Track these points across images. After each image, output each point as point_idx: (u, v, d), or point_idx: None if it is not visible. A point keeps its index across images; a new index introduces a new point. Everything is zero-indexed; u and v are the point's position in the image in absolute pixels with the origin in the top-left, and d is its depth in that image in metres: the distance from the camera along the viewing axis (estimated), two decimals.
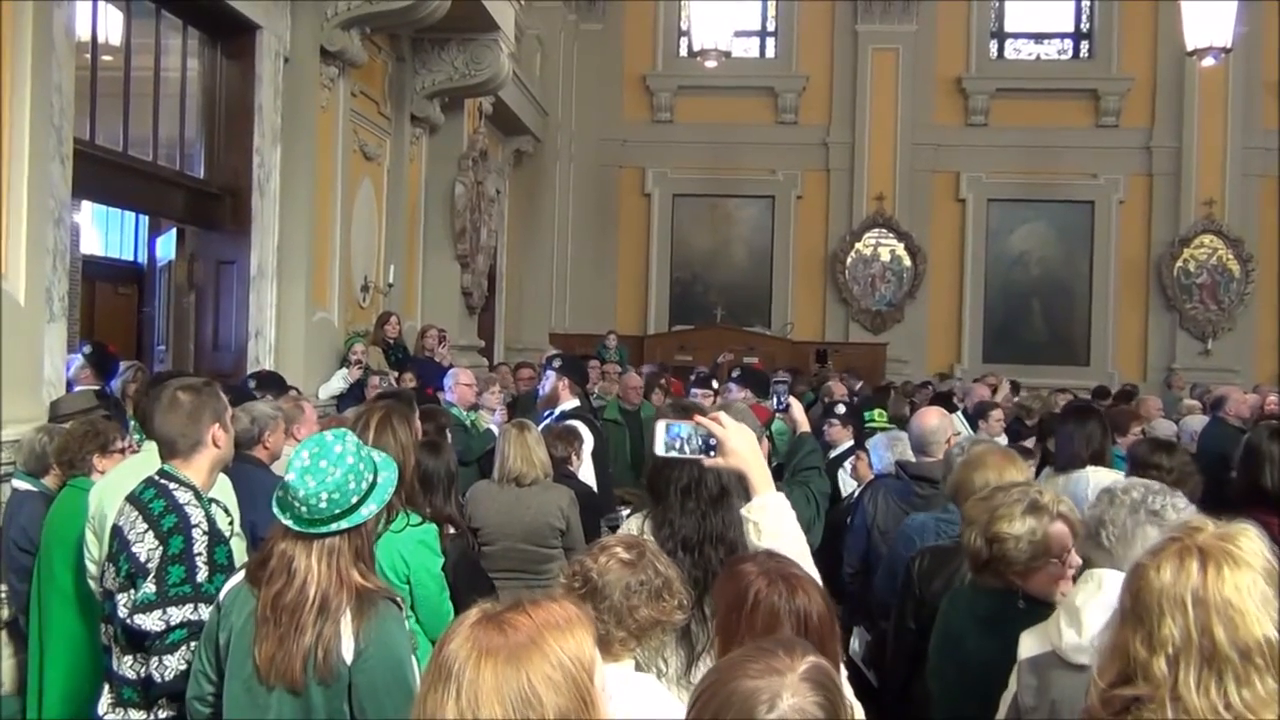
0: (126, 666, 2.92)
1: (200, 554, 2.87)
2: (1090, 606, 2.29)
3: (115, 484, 3.66)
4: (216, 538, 2.92)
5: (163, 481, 2.99)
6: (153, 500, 2.94)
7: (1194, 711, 1.57)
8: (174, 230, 7.94)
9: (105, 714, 2.97)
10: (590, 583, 2.25)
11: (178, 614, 2.82)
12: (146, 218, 9.74)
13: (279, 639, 2.38)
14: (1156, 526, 2.30)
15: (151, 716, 2.90)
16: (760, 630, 1.98)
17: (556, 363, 6.20)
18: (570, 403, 5.96)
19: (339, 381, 7.67)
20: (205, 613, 2.80)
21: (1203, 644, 1.58)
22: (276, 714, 2.39)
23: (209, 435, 3.03)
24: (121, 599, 2.89)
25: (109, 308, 10.14)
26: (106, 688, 3.01)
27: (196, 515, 2.91)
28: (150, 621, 2.81)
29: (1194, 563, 1.62)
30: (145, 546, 2.88)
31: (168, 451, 3.09)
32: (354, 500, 2.42)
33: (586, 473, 5.47)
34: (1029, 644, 2.46)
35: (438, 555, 3.54)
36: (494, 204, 12.21)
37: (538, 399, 6.62)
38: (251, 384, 4.28)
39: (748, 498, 3.05)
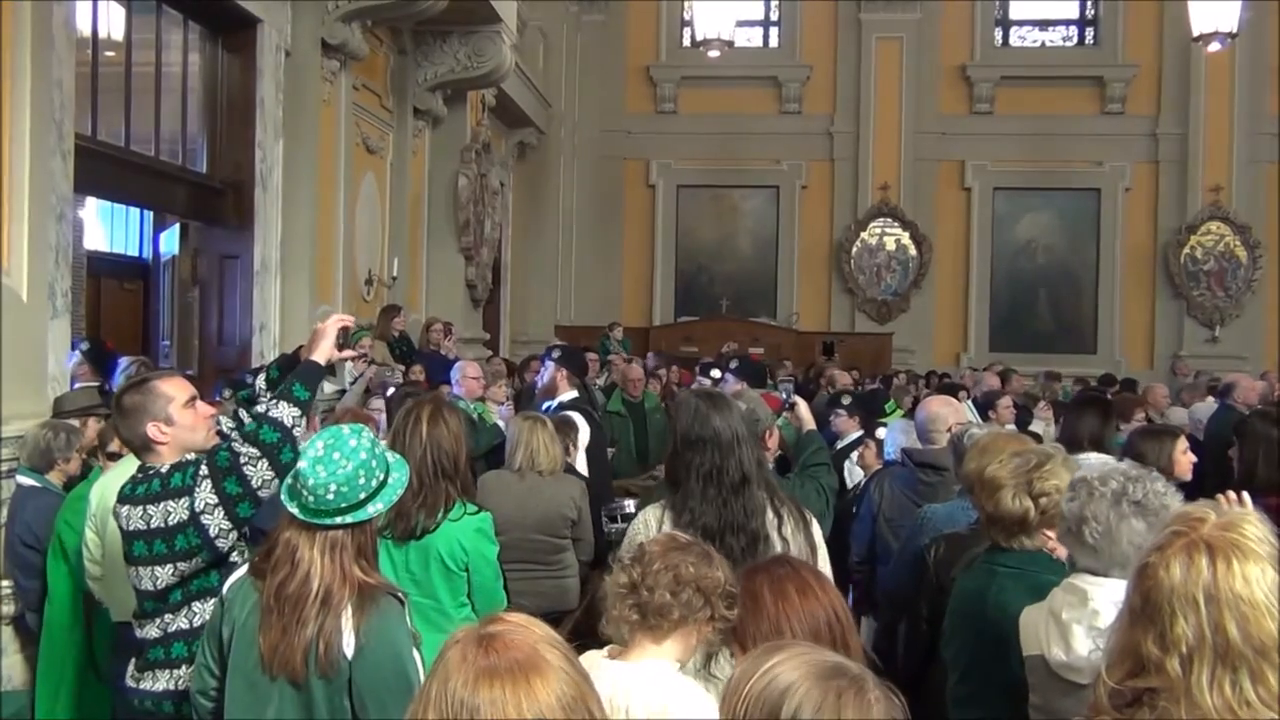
0: (153, 627, 2.92)
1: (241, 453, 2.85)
2: (1077, 628, 2.26)
3: (116, 482, 3.65)
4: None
5: (138, 472, 2.99)
6: (152, 480, 2.91)
7: (1208, 711, 1.55)
8: (177, 225, 7.94)
9: (129, 683, 2.98)
10: (640, 550, 2.26)
11: (287, 413, 2.88)
12: (151, 213, 9.73)
13: (282, 629, 2.38)
14: (1141, 518, 2.25)
15: (172, 675, 2.90)
16: (768, 636, 2.00)
17: (556, 353, 6.19)
18: (569, 394, 5.95)
19: (344, 375, 7.67)
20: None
21: (1216, 641, 1.56)
22: (278, 709, 2.39)
23: (148, 432, 2.99)
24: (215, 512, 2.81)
25: (114, 303, 10.12)
26: (133, 660, 3.01)
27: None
28: (286, 414, 2.86)
29: (1203, 558, 1.59)
30: (202, 496, 2.82)
31: (137, 454, 3.10)
32: (362, 496, 2.42)
33: (580, 465, 5.46)
34: (1025, 636, 2.44)
35: (493, 543, 3.59)
36: (498, 196, 12.20)
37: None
38: (249, 378, 4.27)
39: (768, 486, 3.05)
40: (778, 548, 2.91)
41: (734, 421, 3.03)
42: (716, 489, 2.93)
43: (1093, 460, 4.37)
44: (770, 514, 2.97)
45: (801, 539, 2.97)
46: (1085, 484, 2.35)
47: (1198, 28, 10.84)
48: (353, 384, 7.59)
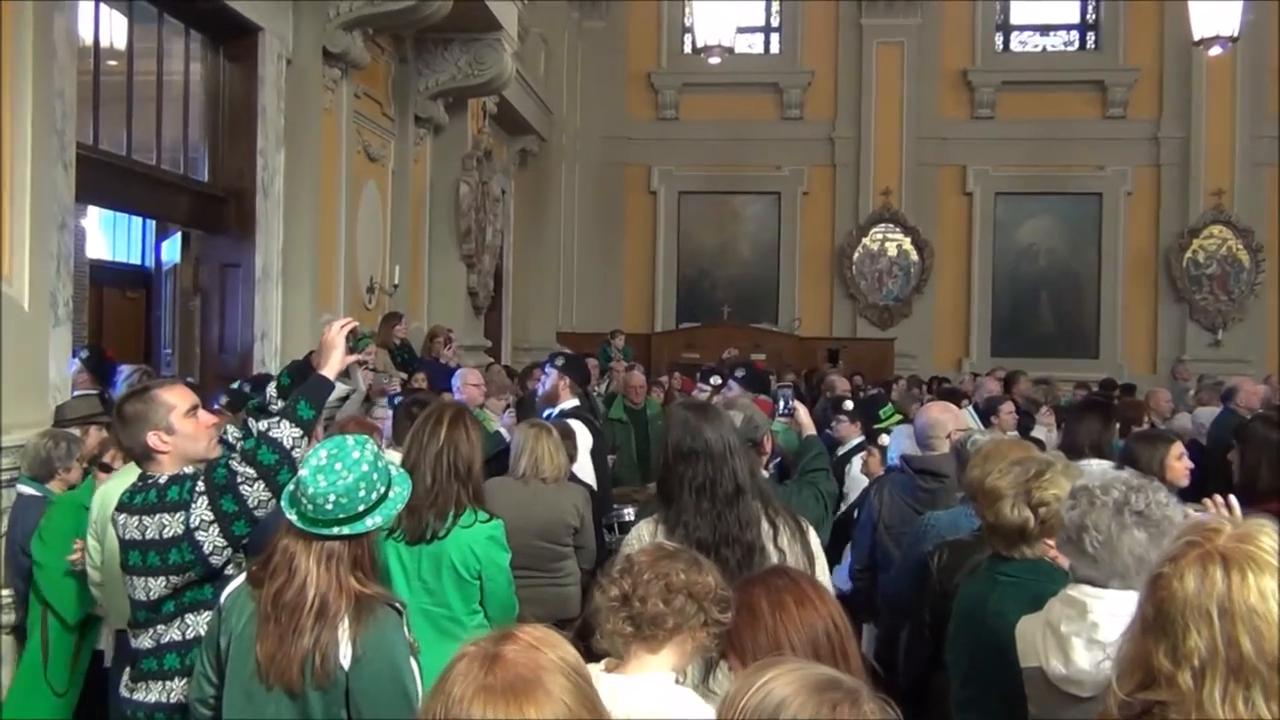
0: (146, 638, 2.91)
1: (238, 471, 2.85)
2: (1077, 640, 2.25)
3: (119, 489, 3.66)
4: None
5: (138, 481, 2.98)
6: (149, 490, 2.91)
7: None
8: (179, 234, 7.95)
9: (123, 693, 2.97)
10: (629, 560, 2.25)
11: (288, 433, 2.86)
12: (154, 222, 9.75)
13: (279, 638, 2.37)
14: (1143, 529, 2.23)
15: (164, 688, 2.89)
16: (765, 647, 2.00)
17: (558, 361, 6.19)
18: (570, 401, 5.95)
19: (358, 376, 7.64)
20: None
21: (1229, 655, 1.53)
22: (274, 717, 2.38)
23: (149, 441, 2.98)
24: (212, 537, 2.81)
25: (117, 312, 10.14)
26: (127, 670, 3.01)
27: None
28: (287, 434, 2.85)
29: (1217, 570, 1.56)
30: (198, 513, 2.81)
31: (138, 462, 3.10)
32: (360, 509, 2.41)
33: (584, 472, 5.47)
34: (1023, 647, 2.43)
35: (506, 550, 3.60)
36: (499, 203, 12.20)
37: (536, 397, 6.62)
38: (247, 388, 4.31)
39: (762, 497, 3.03)
40: (774, 559, 2.88)
41: (725, 432, 3.01)
42: (710, 501, 2.91)
43: (1094, 467, 4.39)
44: (765, 524, 2.94)
45: (798, 549, 2.95)
46: (1086, 492, 2.32)
47: (1198, 31, 10.84)
48: (354, 391, 7.59)
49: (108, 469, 4.13)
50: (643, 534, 2.99)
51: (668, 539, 2.83)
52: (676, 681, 2.19)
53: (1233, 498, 2.37)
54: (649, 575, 2.16)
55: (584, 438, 5.58)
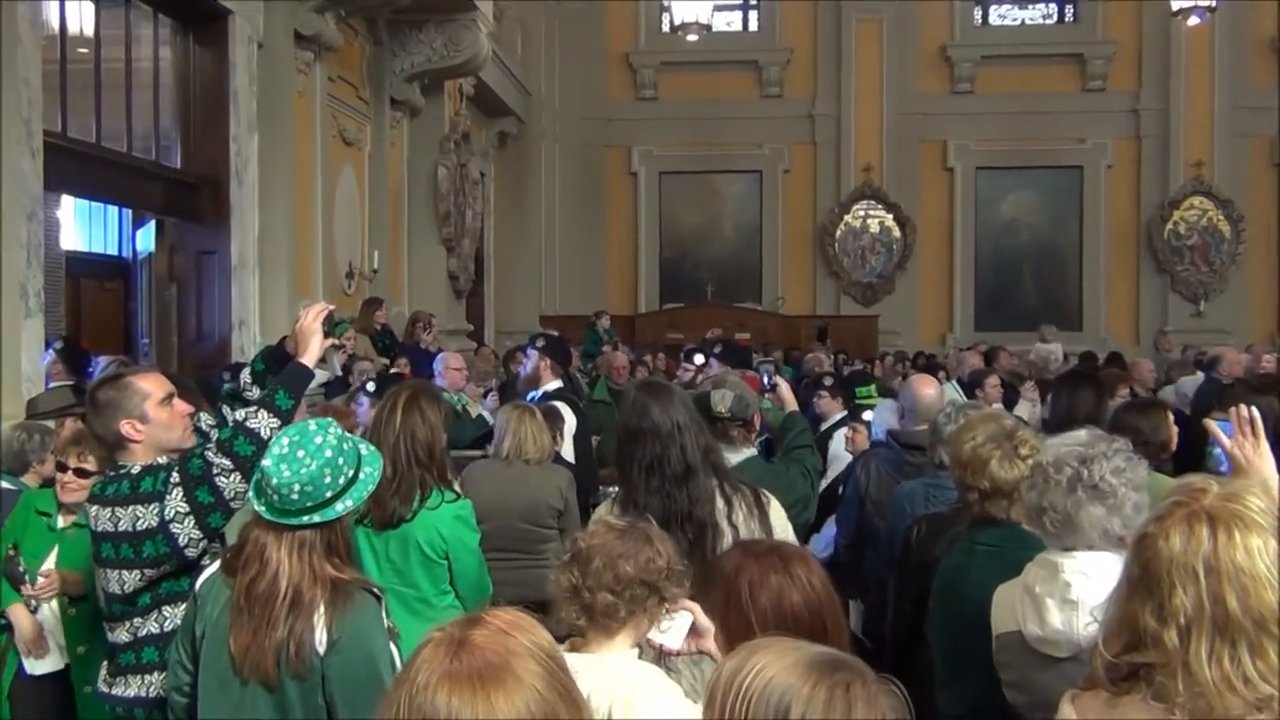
0: (123, 631, 2.86)
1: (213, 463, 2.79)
2: (1050, 601, 2.24)
3: None
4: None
5: (110, 471, 2.92)
6: (122, 481, 2.85)
7: (1205, 685, 1.52)
8: (153, 222, 7.85)
9: (101, 688, 2.93)
10: (577, 548, 2.19)
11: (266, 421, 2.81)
12: (130, 212, 9.64)
13: (253, 631, 2.31)
14: (1099, 503, 2.22)
15: (144, 681, 2.84)
16: (737, 622, 1.97)
17: (539, 343, 6.14)
18: (553, 383, 5.91)
19: (334, 363, 7.59)
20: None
21: (1215, 613, 1.53)
22: (252, 709, 2.33)
23: (121, 430, 2.89)
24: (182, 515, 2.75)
25: (95, 303, 10.03)
26: (105, 664, 2.96)
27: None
28: (265, 425, 2.79)
29: (1203, 528, 1.56)
30: (173, 504, 2.76)
31: (109, 450, 3.02)
32: (328, 495, 2.34)
33: (568, 454, 5.43)
34: (999, 614, 2.41)
35: (474, 530, 3.55)
36: (478, 186, 12.13)
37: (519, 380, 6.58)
38: (225, 376, 4.25)
39: (716, 474, 3.00)
40: (727, 536, 2.86)
41: (674, 411, 2.97)
42: (659, 480, 2.89)
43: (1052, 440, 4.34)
44: (720, 502, 2.92)
45: (755, 525, 2.92)
46: (1041, 471, 2.31)
47: (1177, 2, 10.85)
48: (338, 378, 7.53)
49: (64, 468, 4.05)
50: (601, 513, 2.98)
51: (621, 516, 2.83)
52: (639, 656, 2.17)
53: (1255, 412, 2.34)
54: (598, 563, 2.10)
55: (569, 420, 5.55)
